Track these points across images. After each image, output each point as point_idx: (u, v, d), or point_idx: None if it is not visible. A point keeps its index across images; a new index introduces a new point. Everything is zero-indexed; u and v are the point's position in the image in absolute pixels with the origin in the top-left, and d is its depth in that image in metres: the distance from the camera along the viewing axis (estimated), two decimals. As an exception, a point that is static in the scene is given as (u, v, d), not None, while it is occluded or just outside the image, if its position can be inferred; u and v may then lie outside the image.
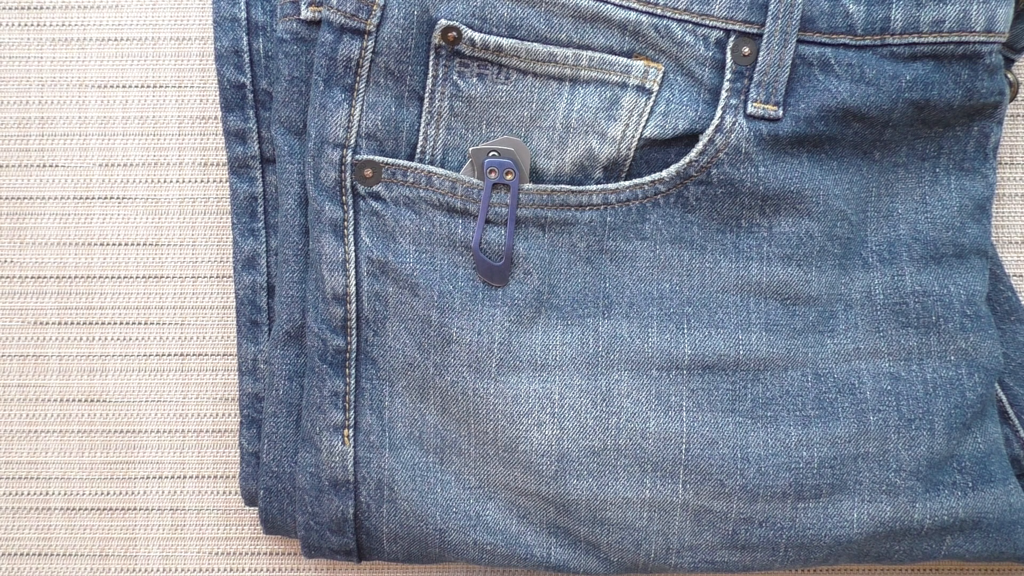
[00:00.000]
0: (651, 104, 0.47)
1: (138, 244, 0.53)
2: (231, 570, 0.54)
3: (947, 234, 0.49)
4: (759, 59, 0.46)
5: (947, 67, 0.46)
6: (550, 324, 0.48)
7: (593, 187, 0.47)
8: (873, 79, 0.46)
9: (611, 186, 0.47)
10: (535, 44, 0.46)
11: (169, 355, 0.53)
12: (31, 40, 0.53)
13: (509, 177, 0.47)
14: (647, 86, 0.47)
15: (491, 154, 0.47)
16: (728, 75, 0.46)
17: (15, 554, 0.54)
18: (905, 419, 0.48)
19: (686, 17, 0.46)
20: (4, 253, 0.53)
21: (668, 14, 0.46)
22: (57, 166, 0.53)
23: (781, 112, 0.46)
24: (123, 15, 0.53)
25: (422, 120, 0.47)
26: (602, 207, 0.47)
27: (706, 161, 0.47)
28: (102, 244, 0.53)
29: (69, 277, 0.53)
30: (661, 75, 0.47)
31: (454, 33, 0.46)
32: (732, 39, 0.46)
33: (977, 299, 0.49)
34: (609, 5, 0.46)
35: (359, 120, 0.47)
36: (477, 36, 0.46)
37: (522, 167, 0.47)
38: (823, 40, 0.46)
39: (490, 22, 0.46)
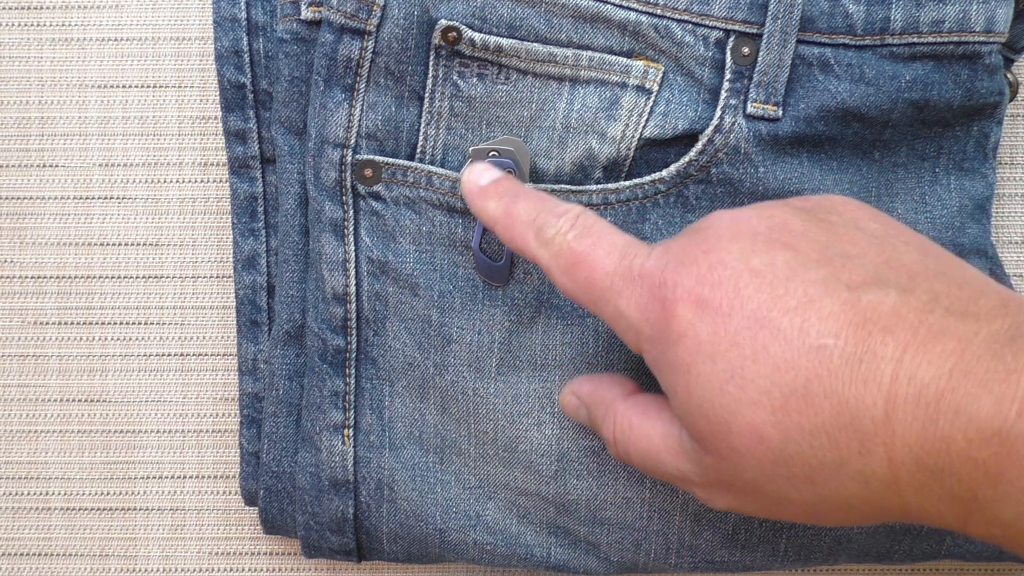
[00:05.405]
0: (651, 104, 0.47)
1: (138, 244, 0.53)
2: (231, 570, 0.54)
3: (947, 234, 0.48)
4: (759, 59, 0.46)
5: (947, 67, 0.46)
6: (550, 324, 0.48)
7: (593, 187, 0.47)
8: (873, 79, 0.46)
9: (611, 186, 0.47)
10: (535, 44, 0.46)
11: (169, 355, 0.53)
12: (31, 40, 0.53)
13: (509, 177, 0.47)
14: (647, 86, 0.47)
15: (491, 154, 0.47)
16: (728, 75, 0.46)
17: (15, 554, 0.54)
18: (905, 419, 0.48)
19: (686, 17, 0.46)
20: (4, 253, 0.53)
21: (668, 14, 0.46)
22: (57, 166, 0.53)
23: (781, 112, 0.46)
24: (123, 15, 0.53)
25: (422, 120, 0.47)
26: (602, 207, 0.47)
27: (706, 160, 0.47)
28: (102, 244, 0.53)
29: (69, 277, 0.53)
30: (661, 75, 0.47)
31: (454, 33, 0.46)
32: (732, 39, 0.46)
33: (977, 299, 0.49)
34: (609, 5, 0.46)
35: (359, 120, 0.47)
36: (477, 36, 0.46)
37: (522, 167, 0.47)
38: (823, 40, 0.46)
39: (490, 22, 0.46)
